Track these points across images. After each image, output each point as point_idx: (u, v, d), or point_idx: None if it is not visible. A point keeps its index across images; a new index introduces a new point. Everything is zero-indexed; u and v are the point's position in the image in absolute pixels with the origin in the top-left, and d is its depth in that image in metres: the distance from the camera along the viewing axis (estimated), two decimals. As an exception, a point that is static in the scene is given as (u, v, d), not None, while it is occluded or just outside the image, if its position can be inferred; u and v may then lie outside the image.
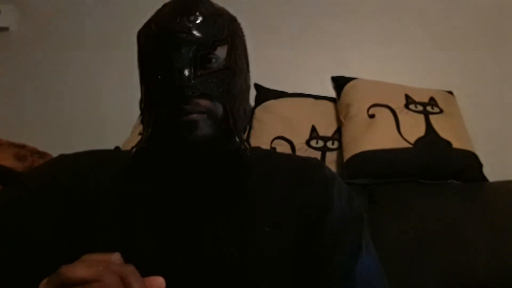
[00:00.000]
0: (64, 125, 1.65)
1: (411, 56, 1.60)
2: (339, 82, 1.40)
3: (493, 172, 1.25)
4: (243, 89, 0.69)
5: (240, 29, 0.71)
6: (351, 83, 1.38)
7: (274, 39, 1.62)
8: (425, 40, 1.61)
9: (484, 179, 1.24)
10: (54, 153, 0.79)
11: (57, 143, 1.21)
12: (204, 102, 0.62)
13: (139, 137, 1.32)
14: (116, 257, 0.39)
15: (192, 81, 0.60)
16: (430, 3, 1.64)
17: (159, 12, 0.66)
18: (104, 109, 1.65)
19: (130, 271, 0.37)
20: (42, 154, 1.17)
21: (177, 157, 0.66)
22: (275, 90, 1.45)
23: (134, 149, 0.66)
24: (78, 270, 0.36)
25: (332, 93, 1.42)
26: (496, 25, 1.60)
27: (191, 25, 0.61)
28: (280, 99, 1.42)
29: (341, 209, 0.68)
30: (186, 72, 0.60)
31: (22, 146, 1.15)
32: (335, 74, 1.43)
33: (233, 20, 0.69)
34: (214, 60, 0.63)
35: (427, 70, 1.57)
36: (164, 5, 0.66)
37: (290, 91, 1.46)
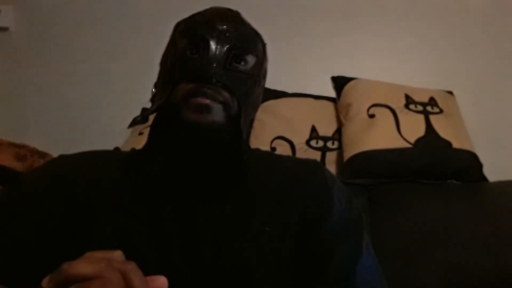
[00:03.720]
0: (64, 125, 1.66)
1: (411, 56, 1.60)
2: (339, 82, 1.41)
3: (493, 172, 1.25)
4: (255, 103, 0.72)
5: (267, 55, 0.75)
6: (351, 83, 1.38)
7: (274, 39, 1.62)
8: (425, 40, 1.61)
9: (484, 179, 1.24)
10: (54, 153, 0.79)
11: (57, 143, 1.21)
12: (224, 93, 0.64)
13: (139, 138, 1.35)
14: (118, 254, 0.39)
15: (220, 71, 0.63)
16: (430, 4, 1.64)
17: (205, 11, 0.69)
18: (104, 109, 1.65)
19: (132, 268, 0.37)
20: (42, 154, 1.17)
21: (180, 143, 0.65)
22: (275, 90, 1.45)
23: (138, 118, 0.67)
24: (80, 266, 0.36)
25: (332, 93, 1.42)
26: (496, 25, 1.61)
27: (233, 28, 0.66)
28: (280, 99, 1.42)
29: (341, 211, 0.68)
30: (217, 62, 0.63)
31: (22, 146, 1.15)
32: (335, 74, 1.44)
33: (265, 44, 0.73)
34: (243, 63, 0.67)
35: (427, 70, 1.57)
36: (211, 7, 0.70)
37: (290, 91, 1.46)
